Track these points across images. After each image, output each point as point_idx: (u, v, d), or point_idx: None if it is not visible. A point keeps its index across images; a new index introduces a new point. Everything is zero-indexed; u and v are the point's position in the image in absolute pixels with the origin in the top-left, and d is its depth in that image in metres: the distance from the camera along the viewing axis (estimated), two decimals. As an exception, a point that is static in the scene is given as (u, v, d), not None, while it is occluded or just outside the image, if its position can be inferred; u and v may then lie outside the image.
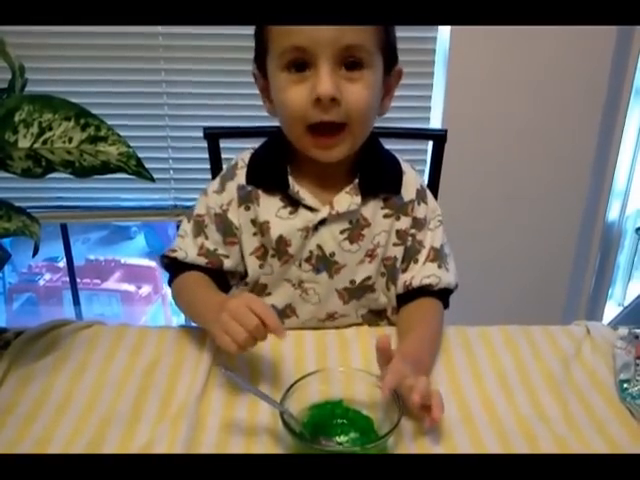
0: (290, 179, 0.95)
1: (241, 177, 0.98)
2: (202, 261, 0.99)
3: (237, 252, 1.00)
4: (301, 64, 0.85)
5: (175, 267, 1.02)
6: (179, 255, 1.00)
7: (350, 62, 0.86)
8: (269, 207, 0.96)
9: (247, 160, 0.99)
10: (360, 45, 0.85)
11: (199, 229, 1.00)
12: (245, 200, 0.97)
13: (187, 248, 1.00)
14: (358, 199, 0.95)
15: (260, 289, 1.01)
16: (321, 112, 0.86)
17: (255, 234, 0.98)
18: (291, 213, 0.96)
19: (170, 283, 1.03)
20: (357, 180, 0.95)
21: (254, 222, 0.97)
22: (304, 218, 0.95)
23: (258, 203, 0.97)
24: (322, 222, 0.96)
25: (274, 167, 0.95)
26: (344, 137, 0.89)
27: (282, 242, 0.96)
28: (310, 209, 0.95)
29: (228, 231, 0.99)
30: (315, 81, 0.85)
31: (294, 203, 0.96)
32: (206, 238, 1.00)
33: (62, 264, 2.70)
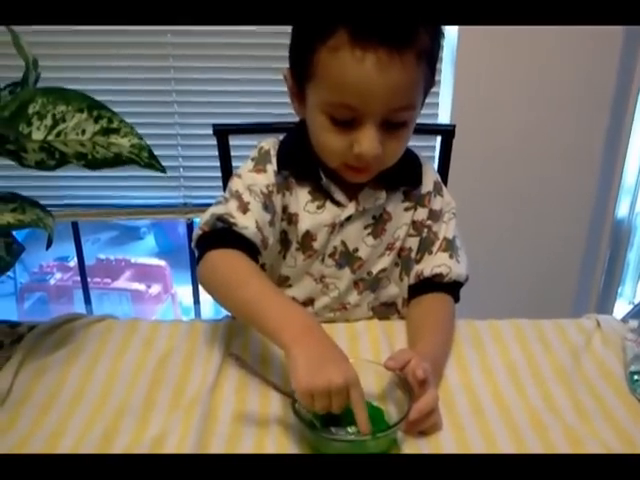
0: (320, 171, 0.95)
1: (275, 164, 0.95)
2: (258, 238, 0.90)
3: (274, 236, 0.95)
4: (347, 120, 0.85)
5: (217, 238, 0.90)
6: (239, 223, 0.89)
7: (398, 123, 0.86)
8: (300, 199, 0.96)
9: (276, 148, 0.97)
10: (409, 105, 0.85)
11: (243, 205, 0.91)
12: (282, 187, 0.95)
13: (243, 220, 0.89)
14: (383, 194, 0.96)
15: (282, 281, 1.00)
16: (360, 162, 0.87)
17: (282, 220, 0.97)
18: (319, 208, 0.96)
19: (204, 252, 0.89)
20: (379, 175, 0.94)
21: (284, 209, 0.96)
22: (331, 214, 0.96)
23: (291, 192, 0.96)
24: (348, 218, 0.96)
25: (305, 157, 0.94)
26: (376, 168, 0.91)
27: (308, 237, 0.96)
28: (337, 204, 0.96)
29: (271, 213, 0.93)
30: (359, 137, 0.85)
31: (322, 197, 0.96)
32: (253, 215, 0.90)
33: (73, 264, 2.71)
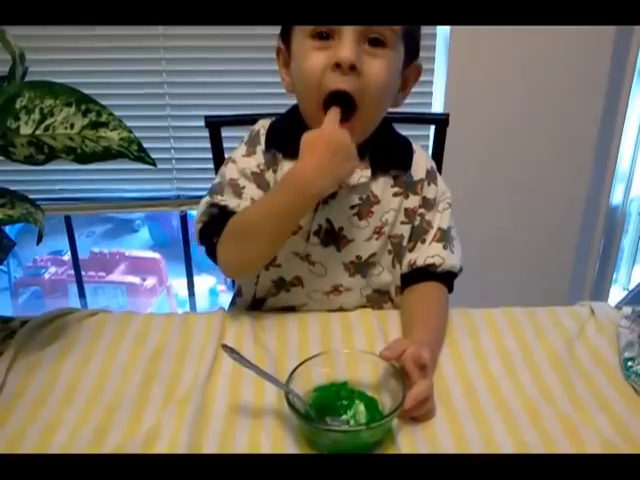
0: None
1: (263, 143, 0.98)
2: None
3: None
4: (326, 34, 0.87)
5: (219, 225, 0.93)
6: (230, 204, 0.94)
7: (374, 39, 0.87)
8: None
9: (267, 127, 0.99)
10: None
11: (238, 191, 0.95)
12: (271, 164, 0.97)
13: (239, 203, 0.94)
14: (368, 172, 0.96)
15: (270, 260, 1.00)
16: (338, 78, 0.87)
17: None
18: None
19: (211, 242, 0.94)
20: (368, 156, 0.95)
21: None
22: None
23: (279, 167, 0.97)
24: (332, 196, 0.96)
25: (293, 134, 0.93)
26: (355, 123, 0.90)
27: None
28: None
29: (265, 190, 0.96)
30: (338, 49, 0.86)
31: None
32: (247, 196, 0.95)
33: (67, 257, 2.71)
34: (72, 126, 0.79)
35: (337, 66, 0.86)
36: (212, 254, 0.96)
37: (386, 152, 0.97)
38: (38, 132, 0.78)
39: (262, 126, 1.00)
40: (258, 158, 0.97)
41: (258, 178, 0.96)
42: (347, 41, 0.86)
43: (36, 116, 0.78)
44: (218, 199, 0.94)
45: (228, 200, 0.94)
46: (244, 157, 0.98)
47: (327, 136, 0.86)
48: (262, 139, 0.98)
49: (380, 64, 0.88)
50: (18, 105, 0.77)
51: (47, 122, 0.78)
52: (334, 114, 0.87)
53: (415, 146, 1.03)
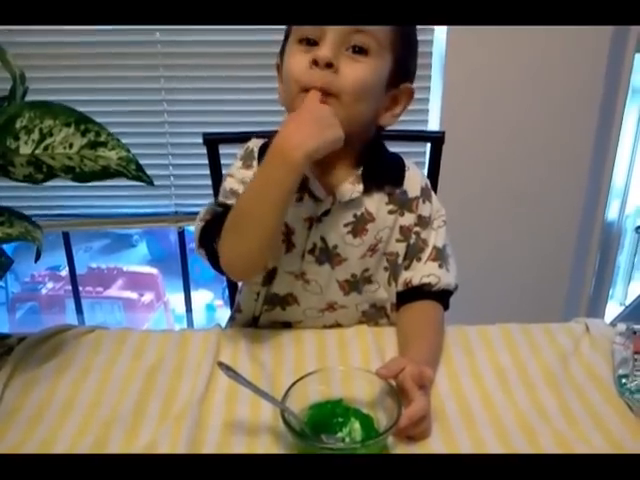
0: None
1: (257, 159, 0.99)
2: None
3: None
4: (313, 41, 0.89)
5: (220, 224, 0.91)
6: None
7: (357, 46, 0.89)
8: None
9: (259, 146, 0.99)
10: (371, 32, 0.88)
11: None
12: None
13: None
14: (360, 187, 0.96)
15: (263, 275, 1.01)
16: (314, 74, 0.88)
17: None
18: (297, 200, 0.96)
19: (209, 243, 0.94)
20: (360, 171, 0.96)
21: None
22: (310, 208, 0.96)
23: None
24: (326, 213, 0.97)
25: None
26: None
27: (286, 229, 0.96)
28: (315, 198, 0.96)
29: None
30: (318, 49, 0.88)
31: (300, 190, 0.95)
32: None
33: (64, 273, 2.70)
34: (71, 146, 0.80)
35: (315, 63, 0.88)
36: (212, 259, 0.95)
37: (378, 167, 0.97)
38: (37, 152, 0.79)
39: (255, 145, 1.00)
40: (255, 171, 0.97)
41: None
42: (327, 42, 0.88)
43: (36, 136, 0.79)
44: (224, 200, 0.95)
45: (233, 201, 0.93)
46: (241, 169, 0.98)
47: (308, 108, 0.87)
48: (256, 156, 0.99)
49: (360, 67, 0.89)
50: (18, 125, 0.78)
51: (46, 142, 0.79)
52: (314, 94, 0.88)
53: (408, 163, 1.03)
